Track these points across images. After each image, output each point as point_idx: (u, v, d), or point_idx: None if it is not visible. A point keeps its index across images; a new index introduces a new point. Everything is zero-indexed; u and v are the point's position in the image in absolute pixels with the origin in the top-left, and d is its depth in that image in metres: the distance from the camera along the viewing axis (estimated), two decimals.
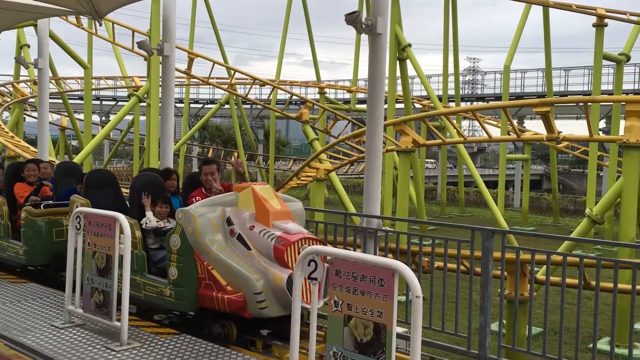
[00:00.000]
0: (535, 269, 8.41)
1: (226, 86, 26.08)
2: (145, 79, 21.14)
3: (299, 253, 5.20)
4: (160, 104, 10.22)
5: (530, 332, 5.97)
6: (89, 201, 6.65)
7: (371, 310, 3.64)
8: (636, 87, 33.65)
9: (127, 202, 7.13)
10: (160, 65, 10.01)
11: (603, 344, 8.88)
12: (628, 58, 17.49)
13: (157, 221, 6.25)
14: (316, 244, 5.34)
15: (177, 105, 40.35)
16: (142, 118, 26.86)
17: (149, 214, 6.23)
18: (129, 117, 29.19)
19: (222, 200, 5.70)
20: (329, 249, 4.11)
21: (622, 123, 10.66)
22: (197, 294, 5.49)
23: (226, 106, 33.83)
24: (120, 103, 46.26)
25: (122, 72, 29.53)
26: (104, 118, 48.76)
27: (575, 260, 6.30)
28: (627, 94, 24.69)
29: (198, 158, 43.95)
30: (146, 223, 6.16)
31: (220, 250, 5.49)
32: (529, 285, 6.33)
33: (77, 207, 6.37)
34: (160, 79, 10.00)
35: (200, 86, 43.65)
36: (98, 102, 48.43)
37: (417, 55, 19.92)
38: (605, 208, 10.40)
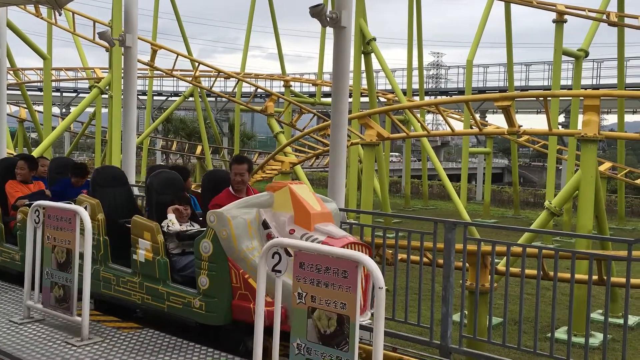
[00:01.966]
0: (497, 260, 8.58)
1: (190, 78, 25.80)
2: (107, 71, 20.78)
3: None
4: (122, 96, 10.06)
5: (490, 322, 6.08)
6: (99, 202, 6.09)
7: (335, 301, 3.66)
8: (594, 83, 34.41)
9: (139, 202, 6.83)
10: (122, 57, 9.87)
11: (561, 333, 9.10)
12: (586, 54, 17.87)
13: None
14: (363, 250, 4.94)
15: (140, 97, 39.83)
16: (105, 110, 26.43)
17: (172, 216, 5.71)
18: (91, 109, 28.67)
19: (256, 201, 5.19)
20: (293, 241, 4.12)
21: (581, 118, 10.89)
22: (231, 305, 5.03)
23: (190, 99, 33.49)
24: (81, 95, 45.38)
25: (83, 63, 28.95)
26: (64, 110, 47.77)
27: (535, 251, 6.44)
28: (585, 89, 25.21)
29: (162, 151, 43.47)
30: (168, 226, 5.61)
31: (257, 257, 4.94)
32: (489, 276, 6.44)
33: (85, 206, 5.98)
34: (123, 71, 9.85)
35: (163, 78, 43.11)
36: (58, 94, 47.44)
37: (381, 49, 20.04)
38: (563, 200, 10.63)
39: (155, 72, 27.47)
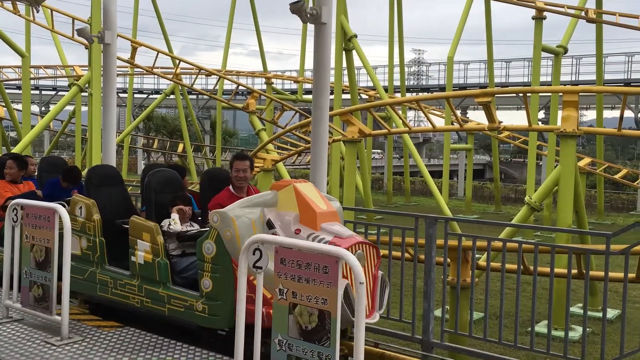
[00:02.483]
0: (478, 255, 8.63)
1: (171, 76, 25.62)
2: (87, 68, 20.57)
3: None
4: (102, 94, 9.96)
5: (471, 317, 6.12)
6: (95, 202, 5.94)
7: (316, 297, 3.67)
8: (573, 79, 34.75)
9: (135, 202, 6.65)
10: (102, 54, 9.77)
11: (541, 327, 9.17)
12: (565, 50, 18.03)
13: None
14: (370, 250, 4.87)
15: (121, 95, 39.48)
16: (84, 108, 26.15)
17: (176, 215, 5.54)
18: (70, 108, 28.37)
19: (260, 200, 5.06)
20: (274, 237, 4.11)
21: (560, 114, 10.99)
22: (235, 308, 4.88)
23: (171, 96, 33.20)
24: (60, 93, 44.90)
25: (62, 60, 28.61)
26: (43, 108, 47.23)
27: (515, 246, 6.50)
28: (564, 85, 25.48)
29: (143, 149, 43.17)
30: (169, 224, 5.45)
31: None
32: (471, 271, 6.48)
33: (80, 207, 5.95)
34: (102, 68, 9.76)
35: (144, 76, 42.83)
36: (37, 92, 46.88)
37: (363, 46, 20.10)
38: (543, 195, 10.72)
39: (136, 69, 27.25)
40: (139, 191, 7.10)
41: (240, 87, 28.43)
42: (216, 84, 27.88)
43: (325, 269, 3.63)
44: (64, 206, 6.72)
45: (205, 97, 37.44)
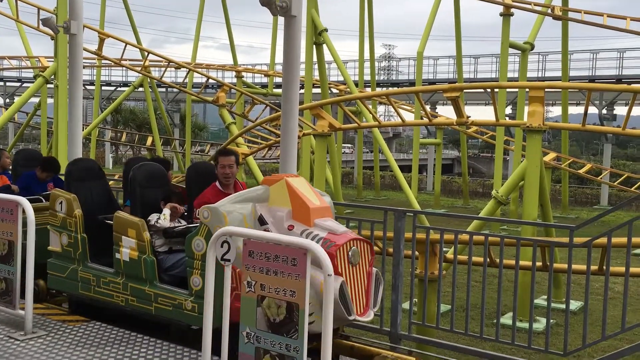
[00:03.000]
0: (446, 249, 8.74)
1: (139, 68, 25.29)
2: (53, 59, 20.19)
3: (348, 257, 4.63)
4: (68, 86, 9.80)
5: (439, 309, 6.19)
6: (76, 197, 5.78)
7: (284, 289, 3.67)
8: (540, 75, 35.28)
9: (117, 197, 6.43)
10: (68, 45, 9.60)
11: (507, 319, 9.33)
12: (532, 47, 18.29)
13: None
14: (365, 246, 4.84)
15: (88, 87, 38.85)
16: (50, 100, 25.67)
17: (168, 211, 5.42)
18: (35, 99, 27.83)
19: (251, 195, 4.93)
20: (242, 229, 4.10)
21: (527, 109, 11.14)
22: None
23: (140, 89, 32.83)
24: (25, 84, 43.98)
25: (27, 51, 28.02)
26: (7, 100, 46.22)
27: (482, 239, 6.59)
28: (531, 81, 25.81)
29: (111, 142, 42.59)
30: (157, 219, 5.30)
31: None
32: (438, 264, 6.55)
33: (60, 202, 5.75)
34: (68, 60, 9.59)
35: (112, 68, 42.13)
36: (1, 84, 45.88)
37: (333, 40, 20.06)
38: (509, 189, 10.89)
39: (104, 61, 26.82)
40: (121, 186, 6.95)
41: (210, 81, 28.25)
42: (185, 76, 27.61)
43: (293, 261, 3.64)
44: (42, 200, 6.63)
45: (174, 90, 37.03)
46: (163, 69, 27.04)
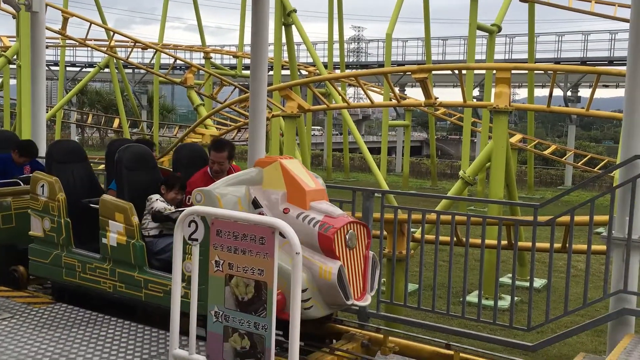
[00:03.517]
0: (416, 229, 8.82)
1: (105, 48, 24.83)
2: (15, 39, 19.69)
3: (345, 241, 4.57)
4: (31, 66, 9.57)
5: (407, 288, 6.27)
6: (58, 179, 5.57)
7: (252, 268, 3.67)
8: (507, 57, 35.62)
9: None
10: (30, 23, 9.36)
11: (473, 297, 9.50)
12: (499, 29, 18.43)
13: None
14: (362, 229, 4.78)
15: (52, 68, 38.03)
16: (13, 82, 25.07)
17: (156, 196, 5.27)
18: None
19: (245, 178, 4.81)
20: (209, 208, 4.08)
21: (494, 91, 11.24)
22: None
23: (106, 70, 32.26)
24: None
25: None
26: None
27: (449, 218, 6.68)
28: (498, 63, 26.06)
29: (76, 124, 41.80)
30: (158, 199, 5.14)
31: None
32: (406, 243, 6.62)
33: (42, 185, 5.52)
34: (31, 39, 9.35)
35: (77, 48, 41.31)
36: None
37: (303, 22, 19.94)
38: (476, 169, 11.03)
39: (68, 41, 26.28)
40: (99, 168, 6.74)
41: (178, 62, 27.83)
42: (152, 57, 27.23)
43: (261, 240, 3.64)
44: (20, 184, 6.46)
45: (141, 71, 36.46)
46: (129, 49, 26.60)
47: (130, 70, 39.88)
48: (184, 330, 4.01)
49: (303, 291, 4.36)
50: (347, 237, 4.58)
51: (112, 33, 24.73)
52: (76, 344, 4.47)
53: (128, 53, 26.20)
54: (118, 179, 5.55)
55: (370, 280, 4.79)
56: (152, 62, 27.55)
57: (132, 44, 24.72)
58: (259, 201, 4.71)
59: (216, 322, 3.82)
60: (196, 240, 3.91)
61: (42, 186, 5.57)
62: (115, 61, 30.13)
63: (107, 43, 25.01)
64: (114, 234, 5.16)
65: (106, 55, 27.34)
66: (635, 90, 5.16)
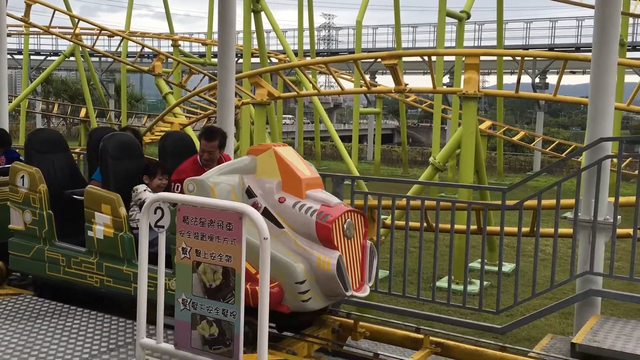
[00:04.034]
0: (386, 215, 8.84)
1: (70, 36, 24.34)
2: None
3: (343, 230, 4.46)
4: None
5: (377, 274, 6.27)
6: (39, 170, 5.32)
7: (220, 254, 3.62)
8: (476, 44, 35.89)
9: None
10: None
11: (443, 282, 9.56)
12: (468, 15, 18.55)
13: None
14: (360, 218, 4.68)
15: (16, 57, 37.19)
16: None
17: (143, 186, 5.11)
18: None
19: (238, 166, 4.66)
20: (174, 194, 4.01)
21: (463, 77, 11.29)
22: None
23: (72, 58, 31.67)
24: None
25: None
26: None
27: (419, 204, 6.70)
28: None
29: (42, 114, 41.00)
30: (145, 190, 4.98)
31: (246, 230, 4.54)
32: (377, 229, 6.62)
33: (22, 177, 5.28)
34: None
35: (41, 36, 40.40)
36: None
37: (272, 9, 19.80)
38: (447, 155, 11.08)
39: (32, 29, 25.69)
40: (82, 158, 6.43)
41: (146, 50, 27.46)
42: (119, 45, 26.77)
43: (229, 226, 3.59)
44: None
45: (108, 59, 35.85)
46: (95, 37, 26.09)
47: (96, 59, 39.21)
48: (152, 320, 3.95)
49: (301, 283, 4.28)
50: (344, 226, 4.47)
51: (77, 20, 24.24)
52: (40, 335, 4.38)
53: (94, 41, 25.66)
54: (103, 168, 5.34)
55: (368, 270, 4.69)
56: (119, 50, 27.10)
57: (98, 31, 24.28)
58: (253, 190, 4.58)
59: (184, 309, 3.76)
60: (162, 227, 3.84)
61: (22, 177, 5.33)
62: (81, 49, 29.59)
63: (72, 31, 24.53)
64: (100, 226, 4.96)
65: (71, 43, 26.84)
66: (600, 76, 5.22)
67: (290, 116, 55.60)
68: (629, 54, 26.68)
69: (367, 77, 29.26)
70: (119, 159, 5.33)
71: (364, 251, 4.71)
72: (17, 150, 7.23)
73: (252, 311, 4.01)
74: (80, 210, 5.14)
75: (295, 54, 25.89)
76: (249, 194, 4.58)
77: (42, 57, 42.70)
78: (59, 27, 27.09)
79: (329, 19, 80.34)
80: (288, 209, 4.46)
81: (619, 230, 6.44)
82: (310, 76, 18.61)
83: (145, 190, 5.10)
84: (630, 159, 18.21)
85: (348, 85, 26.15)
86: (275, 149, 4.65)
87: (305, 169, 4.67)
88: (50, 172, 5.46)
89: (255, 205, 4.46)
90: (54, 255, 5.25)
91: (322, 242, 4.39)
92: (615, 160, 5.30)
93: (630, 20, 25.94)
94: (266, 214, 4.44)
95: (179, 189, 5.04)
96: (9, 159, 6.61)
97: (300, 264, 4.33)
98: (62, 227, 5.32)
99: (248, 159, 4.70)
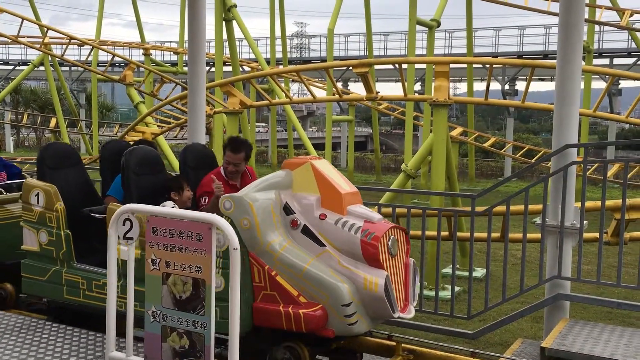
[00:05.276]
0: None
1: (39, 45, 24.01)
2: None
3: (388, 248, 4.27)
4: None
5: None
6: (55, 187, 5.01)
7: (189, 265, 3.61)
8: (446, 52, 36.29)
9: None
10: None
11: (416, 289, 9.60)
12: (439, 24, 18.70)
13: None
14: (402, 234, 4.52)
15: None
16: None
17: (170, 203, 4.84)
18: None
19: (274, 182, 4.44)
20: (143, 206, 3.98)
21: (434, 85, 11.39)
22: (252, 309, 4.25)
23: (41, 68, 31.25)
24: None
25: None
26: None
27: (390, 210, 6.74)
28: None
29: (11, 124, 40.33)
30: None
31: (286, 249, 4.22)
32: None
33: (36, 194, 4.98)
34: None
35: (9, 45, 39.85)
36: None
37: (244, 18, 19.80)
38: (418, 162, 11.16)
39: (0, 38, 25.32)
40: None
41: (117, 59, 27.19)
42: (89, 54, 26.48)
43: (198, 237, 3.58)
44: (1, 192, 5.94)
45: (79, 69, 35.46)
46: (65, 46, 25.76)
47: (66, 68, 38.76)
48: (123, 332, 3.91)
49: (347, 305, 4.10)
50: (389, 243, 4.29)
51: (46, 30, 23.95)
52: (8, 351, 4.30)
53: (64, 50, 25.35)
54: (125, 184, 5.02)
55: (412, 290, 4.51)
56: (89, 59, 26.80)
57: (68, 40, 23.98)
58: (290, 207, 4.37)
59: (154, 322, 3.74)
60: (131, 239, 3.82)
61: (37, 195, 5.01)
62: (50, 58, 29.22)
63: (41, 40, 24.21)
64: (125, 247, 4.56)
65: (40, 53, 26.50)
66: (564, 83, 5.32)
67: (263, 124, 55.51)
68: (595, 61, 27.20)
69: (340, 85, 29.39)
70: (141, 174, 5.04)
71: (407, 269, 4.53)
72: (16, 165, 7.07)
73: (296, 336, 3.98)
74: (98, 228, 4.88)
75: (268, 62, 25.91)
76: (287, 210, 4.37)
77: (11, 67, 42.08)
78: (28, 37, 26.73)
79: (301, 27, 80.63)
80: (330, 226, 4.27)
81: (587, 235, 6.56)
82: (282, 84, 18.65)
83: (173, 207, 4.84)
84: (597, 164, 18.56)
85: (321, 93, 26.22)
86: (313, 163, 4.46)
87: (344, 183, 4.50)
88: (64, 189, 5.15)
89: (294, 223, 4.32)
90: (73, 278, 4.93)
91: (368, 261, 4.19)
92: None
93: (597, 27, 26.50)
94: (306, 231, 4.28)
95: (206, 202, 4.88)
96: (9, 174, 6.42)
97: (345, 285, 4.13)
98: (79, 247, 5.04)
99: (283, 174, 4.50)
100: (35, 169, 5.65)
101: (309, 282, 4.11)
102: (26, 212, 5.10)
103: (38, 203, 5.05)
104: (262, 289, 4.20)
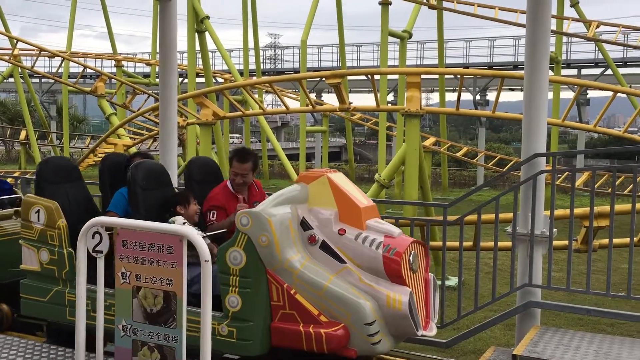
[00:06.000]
0: None
1: (8, 57, 23.70)
2: None
3: (409, 264, 4.15)
4: None
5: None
6: (57, 204, 4.82)
7: (160, 278, 3.58)
8: (418, 62, 36.68)
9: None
10: None
11: None
12: (410, 35, 18.90)
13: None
14: (422, 249, 4.44)
15: None
16: None
17: (180, 218, 4.69)
18: None
19: (290, 196, 4.27)
20: (112, 218, 3.94)
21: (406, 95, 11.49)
22: (269, 329, 4.10)
23: (10, 80, 30.82)
24: None
25: None
26: None
27: None
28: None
29: None
30: (183, 224, 4.51)
31: (305, 266, 4.07)
32: None
33: (37, 211, 4.79)
34: None
35: None
36: None
37: (217, 29, 19.79)
38: (391, 172, 11.23)
39: None
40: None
41: (88, 70, 26.95)
42: (59, 65, 26.21)
43: (169, 249, 3.55)
44: None
45: (50, 80, 35.03)
46: (35, 57, 25.47)
47: (37, 80, 38.27)
48: (93, 347, 3.85)
49: (370, 324, 3.96)
50: (410, 259, 4.18)
51: (15, 41, 23.67)
52: None
53: (34, 62, 25.06)
54: (132, 200, 4.85)
55: (433, 307, 4.42)
56: (59, 70, 26.52)
57: (38, 52, 23.71)
58: (307, 222, 4.23)
59: (124, 336, 3.70)
60: (101, 252, 3.77)
61: (37, 212, 4.80)
62: (20, 70, 28.83)
63: (11, 52, 23.91)
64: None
65: (10, 64, 26.15)
66: (532, 93, 5.40)
67: (237, 135, 55.36)
68: (564, 72, 27.69)
69: (313, 95, 29.48)
70: (148, 188, 4.89)
71: (427, 285, 4.44)
72: (8, 181, 6.90)
73: (316, 357, 3.87)
74: None
75: (241, 73, 25.89)
76: (304, 225, 4.23)
77: None
78: None
79: (275, 38, 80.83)
80: (350, 241, 4.14)
81: (557, 242, 6.65)
82: (256, 95, 18.62)
83: (184, 223, 4.68)
84: (566, 173, 18.85)
85: (294, 104, 26.27)
86: (329, 176, 4.32)
87: (361, 197, 4.38)
88: (65, 205, 4.96)
89: (312, 239, 4.18)
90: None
91: (390, 277, 4.08)
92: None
93: (565, 38, 26.99)
94: (325, 247, 4.15)
95: (214, 216, 4.80)
96: (1, 191, 6.28)
97: (368, 303, 3.99)
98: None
99: (298, 187, 4.35)
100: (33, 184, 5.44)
101: (330, 300, 3.99)
102: (26, 229, 4.90)
103: (39, 220, 4.85)
104: (281, 308, 4.06)
